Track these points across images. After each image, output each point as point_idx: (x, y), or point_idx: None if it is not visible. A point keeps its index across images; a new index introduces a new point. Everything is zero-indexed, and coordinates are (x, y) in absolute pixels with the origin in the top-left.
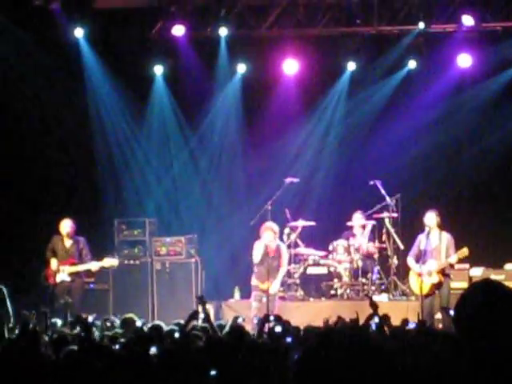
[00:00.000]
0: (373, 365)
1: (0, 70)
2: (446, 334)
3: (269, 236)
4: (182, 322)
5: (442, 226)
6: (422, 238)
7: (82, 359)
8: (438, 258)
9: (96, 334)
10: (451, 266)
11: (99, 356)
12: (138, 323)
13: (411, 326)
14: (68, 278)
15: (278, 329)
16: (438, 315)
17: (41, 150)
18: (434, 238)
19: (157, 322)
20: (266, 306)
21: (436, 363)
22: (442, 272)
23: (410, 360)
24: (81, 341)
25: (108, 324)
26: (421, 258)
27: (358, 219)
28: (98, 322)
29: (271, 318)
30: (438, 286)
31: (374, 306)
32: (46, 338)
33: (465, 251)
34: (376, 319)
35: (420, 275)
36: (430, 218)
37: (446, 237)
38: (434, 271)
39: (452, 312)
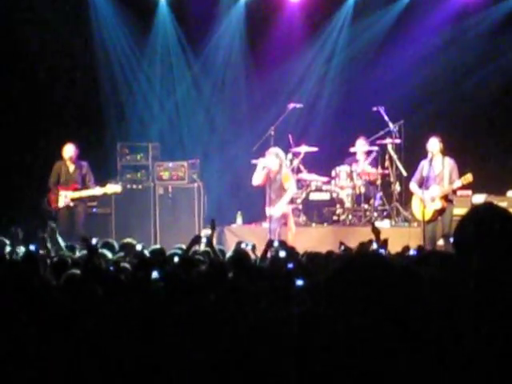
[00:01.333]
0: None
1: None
2: (444, 256)
3: (270, 159)
4: (184, 246)
5: (445, 152)
6: (424, 163)
7: (83, 284)
8: (441, 184)
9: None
10: (454, 192)
11: (102, 280)
12: (138, 247)
13: (412, 253)
14: (71, 203)
15: (282, 254)
16: (441, 242)
17: (44, 74)
18: (437, 163)
19: (158, 246)
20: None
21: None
22: (445, 198)
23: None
24: (84, 264)
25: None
26: (423, 183)
27: (361, 145)
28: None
29: (275, 243)
30: (440, 212)
31: (377, 231)
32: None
33: (469, 177)
34: (374, 245)
35: (423, 201)
36: (433, 144)
37: (449, 162)
38: (436, 197)
39: (451, 239)
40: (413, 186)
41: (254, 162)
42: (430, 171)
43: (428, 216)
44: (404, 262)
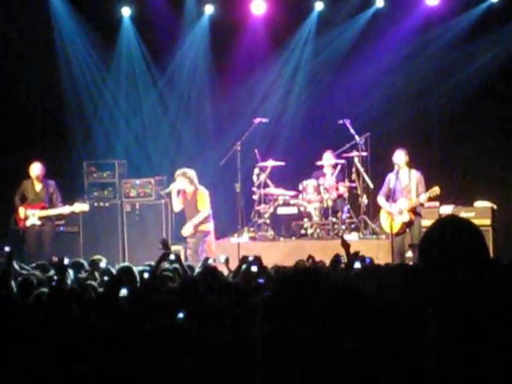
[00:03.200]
0: (340, 302)
1: None
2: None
3: (180, 182)
4: (153, 263)
5: (412, 165)
6: (391, 176)
7: (54, 302)
8: (408, 197)
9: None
10: (422, 204)
11: (72, 299)
12: (103, 264)
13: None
14: (38, 222)
15: (254, 269)
16: (409, 254)
17: (8, 93)
18: (403, 176)
19: (126, 263)
20: (195, 249)
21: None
22: (413, 210)
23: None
24: (55, 283)
25: (85, 267)
26: (391, 196)
27: (328, 159)
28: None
29: (250, 258)
30: (408, 224)
31: (346, 245)
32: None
33: (436, 190)
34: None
35: (391, 214)
36: (399, 157)
37: (416, 175)
38: (404, 210)
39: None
40: (380, 199)
41: (161, 193)
42: (396, 184)
43: (396, 229)
44: (342, 277)
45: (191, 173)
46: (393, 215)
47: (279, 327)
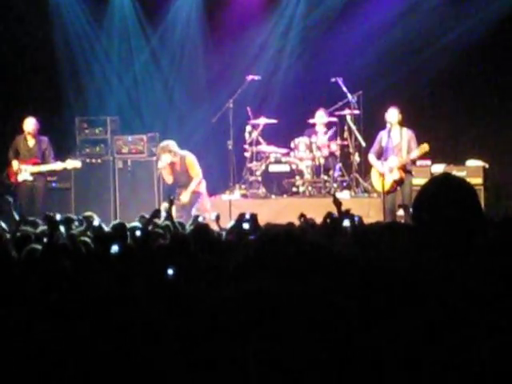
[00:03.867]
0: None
1: None
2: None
3: (165, 158)
4: (146, 215)
5: (404, 123)
6: (383, 134)
7: (48, 258)
8: (399, 155)
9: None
10: (413, 162)
11: (64, 255)
12: (96, 222)
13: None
14: (30, 178)
15: (246, 226)
16: (400, 212)
17: (1, 50)
18: (395, 134)
19: (118, 220)
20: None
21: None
22: (404, 168)
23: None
24: (48, 239)
25: (76, 223)
26: (382, 154)
27: (320, 117)
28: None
29: (247, 216)
30: (399, 182)
31: (338, 203)
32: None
33: (425, 146)
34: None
35: (382, 172)
36: (392, 115)
37: (407, 133)
38: (395, 167)
39: (407, 209)
40: (371, 157)
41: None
42: (388, 142)
43: (387, 187)
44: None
45: (171, 144)
46: (383, 173)
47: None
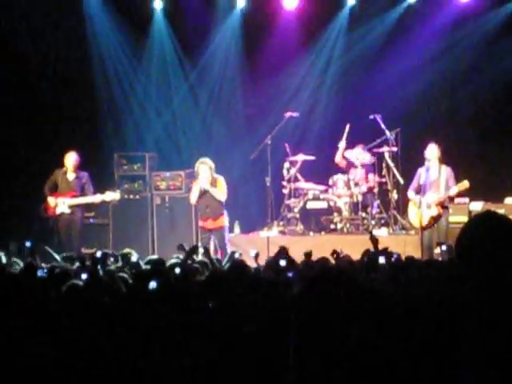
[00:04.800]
0: (364, 303)
1: (1, 7)
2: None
3: (204, 173)
4: (181, 256)
5: (442, 160)
6: (421, 171)
7: (88, 294)
8: (437, 191)
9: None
10: (451, 199)
11: (104, 292)
12: (134, 258)
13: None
14: (68, 210)
15: (283, 263)
16: (438, 249)
17: (40, 85)
18: (433, 171)
19: (155, 256)
20: (215, 244)
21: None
22: (441, 205)
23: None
24: (89, 275)
25: (111, 259)
26: (420, 191)
27: (358, 153)
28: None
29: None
30: (436, 218)
31: (374, 240)
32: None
33: (465, 183)
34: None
35: (419, 208)
36: (431, 151)
37: (446, 170)
38: (432, 203)
39: (444, 247)
40: (410, 193)
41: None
42: (426, 178)
43: (424, 223)
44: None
45: (210, 161)
46: (421, 209)
47: (309, 322)
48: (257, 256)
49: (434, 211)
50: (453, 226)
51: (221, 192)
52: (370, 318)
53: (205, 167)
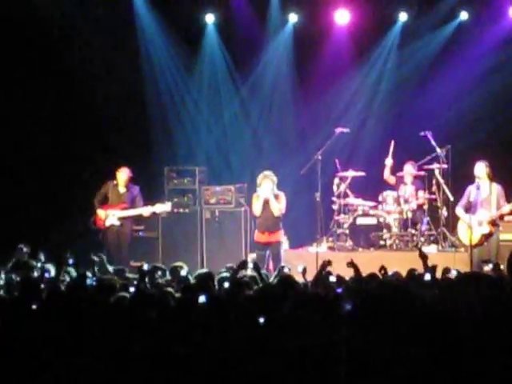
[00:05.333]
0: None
1: (52, 19)
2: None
3: (267, 186)
4: (232, 267)
5: (493, 177)
6: (472, 188)
7: (134, 307)
8: (487, 209)
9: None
10: (501, 217)
11: (152, 305)
12: (183, 272)
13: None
14: (117, 222)
15: (333, 279)
16: (487, 267)
17: (92, 99)
18: (484, 188)
19: (204, 270)
20: (269, 260)
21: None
22: (493, 223)
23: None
24: (136, 288)
25: (159, 272)
26: (470, 209)
27: (408, 170)
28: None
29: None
30: (487, 236)
31: (424, 257)
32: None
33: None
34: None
35: (470, 225)
36: (480, 169)
37: (497, 188)
38: (484, 221)
39: (491, 265)
40: (459, 210)
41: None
42: (477, 196)
43: (475, 240)
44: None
45: (273, 175)
46: (472, 226)
47: (363, 340)
48: (304, 271)
49: (486, 229)
50: (503, 243)
51: (279, 207)
52: (429, 338)
53: (268, 180)
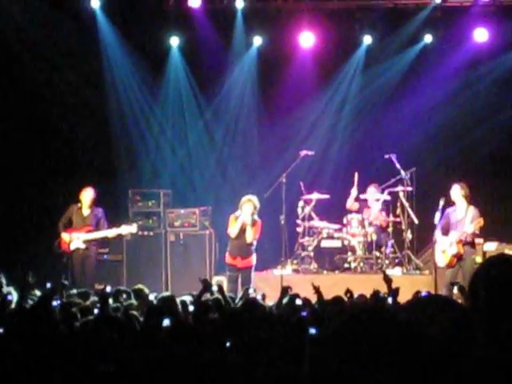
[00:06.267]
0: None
1: (15, 39)
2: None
3: (248, 209)
4: (195, 293)
5: (470, 199)
6: (449, 210)
7: (99, 330)
8: (460, 230)
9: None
10: (472, 239)
11: (114, 328)
12: (151, 297)
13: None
14: (83, 246)
15: (299, 302)
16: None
17: (55, 120)
18: (460, 210)
19: (168, 293)
20: (239, 283)
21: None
22: (462, 243)
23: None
24: (100, 311)
25: (124, 295)
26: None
27: (372, 192)
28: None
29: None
30: (457, 256)
31: (388, 280)
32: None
33: (480, 221)
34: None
35: (442, 247)
36: (453, 192)
37: (473, 210)
38: (454, 242)
39: (456, 287)
40: (437, 233)
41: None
42: (454, 218)
43: (447, 261)
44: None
45: (256, 200)
46: (444, 248)
47: (332, 366)
48: (263, 298)
49: (455, 249)
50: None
51: (252, 235)
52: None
53: (250, 204)
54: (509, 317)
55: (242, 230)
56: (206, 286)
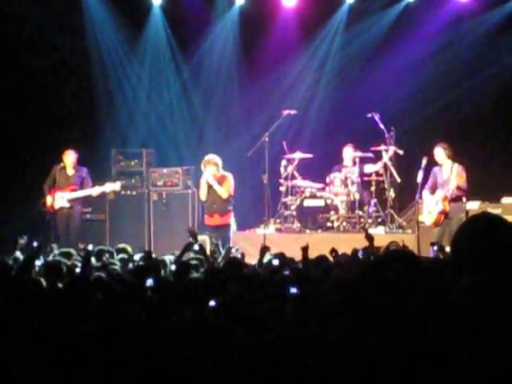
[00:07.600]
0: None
1: None
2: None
3: (210, 170)
4: (177, 252)
5: (454, 158)
6: (436, 170)
7: (80, 290)
8: (445, 188)
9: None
10: (461, 193)
11: (97, 287)
12: (136, 257)
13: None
14: (67, 205)
15: (276, 262)
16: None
17: (37, 80)
18: (446, 170)
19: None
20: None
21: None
22: (447, 200)
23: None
24: (80, 270)
25: (107, 255)
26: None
27: (348, 152)
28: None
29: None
30: (443, 213)
31: (370, 238)
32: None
33: (463, 175)
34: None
35: (429, 205)
36: (438, 153)
37: (458, 168)
38: (440, 200)
39: (436, 247)
40: (424, 192)
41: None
42: (440, 177)
43: (433, 219)
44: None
45: (217, 158)
46: (430, 207)
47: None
48: (242, 257)
49: (440, 207)
50: None
51: (224, 189)
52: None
53: (209, 165)
54: (491, 273)
55: (211, 190)
56: (193, 236)
